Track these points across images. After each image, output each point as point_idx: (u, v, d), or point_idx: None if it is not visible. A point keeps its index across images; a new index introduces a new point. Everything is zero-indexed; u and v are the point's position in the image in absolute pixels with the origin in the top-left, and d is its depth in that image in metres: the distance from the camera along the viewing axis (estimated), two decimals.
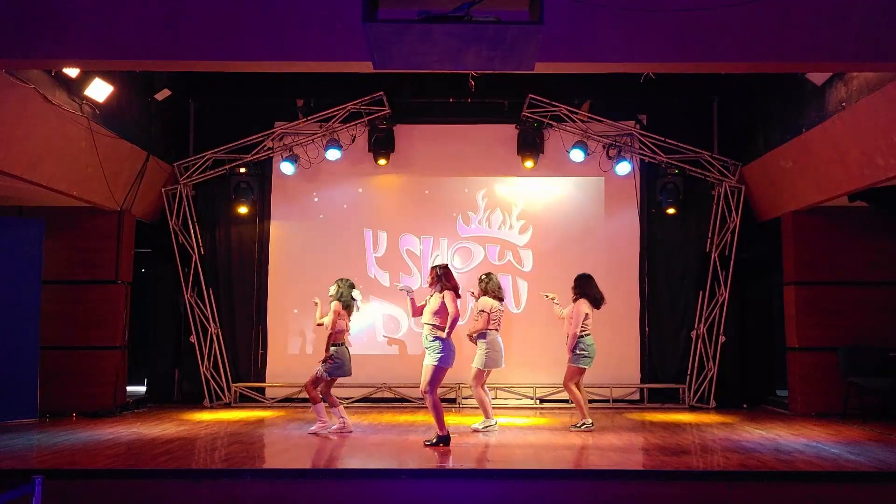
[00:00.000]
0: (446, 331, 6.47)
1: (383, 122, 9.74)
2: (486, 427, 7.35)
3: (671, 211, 9.75)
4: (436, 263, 7.14)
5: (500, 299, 7.64)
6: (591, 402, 9.53)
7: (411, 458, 6.07)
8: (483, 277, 7.72)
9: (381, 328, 9.86)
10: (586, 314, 7.48)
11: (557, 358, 9.51)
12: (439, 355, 6.43)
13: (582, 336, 7.45)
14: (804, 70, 7.25)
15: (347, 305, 7.24)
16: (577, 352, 7.48)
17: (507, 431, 7.51)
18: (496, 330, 7.52)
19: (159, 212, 9.85)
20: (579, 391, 7.61)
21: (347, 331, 7.37)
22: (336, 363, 7.11)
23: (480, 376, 7.45)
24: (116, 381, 8.94)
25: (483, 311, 7.48)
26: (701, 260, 9.78)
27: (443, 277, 6.66)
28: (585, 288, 7.62)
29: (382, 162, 9.80)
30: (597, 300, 7.62)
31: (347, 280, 7.40)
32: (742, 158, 9.55)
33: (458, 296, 6.70)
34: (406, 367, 9.55)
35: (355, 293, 7.34)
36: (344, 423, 7.25)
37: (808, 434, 7.28)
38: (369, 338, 9.78)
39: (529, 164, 9.74)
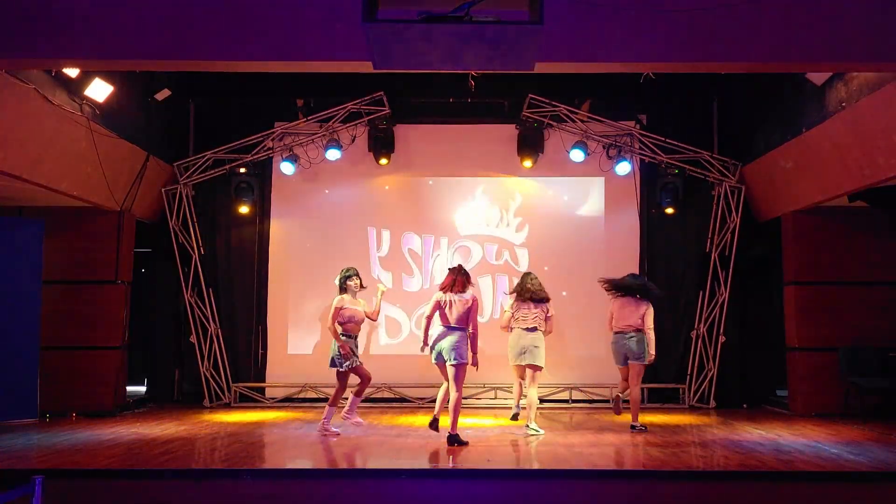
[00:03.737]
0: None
1: (383, 122, 9.73)
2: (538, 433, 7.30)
3: (671, 211, 9.75)
4: (452, 265, 7.23)
5: (520, 297, 7.62)
6: (591, 402, 9.60)
7: (411, 458, 6.07)
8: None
9: (383, 331, 9.86)
10: None
11: (557, 359, 9.55)
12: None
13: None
14: (804, 70, 7.24)
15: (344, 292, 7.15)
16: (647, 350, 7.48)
17: (507, 431, 7.51)
18: (517, 327, 7.54)
19: (159, 212, 9.84)
20: None
21: (353, 320, 7.12)
22: (343, 354, 6.99)
23: None
24: (116, 381, 8.93)
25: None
26: (701, 260, 9.78)
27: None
28: None
29: (383, 162, 9.79)
30: None
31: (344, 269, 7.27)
32: (742, 158, 9.55)
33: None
34: (406, 367, 9.55)
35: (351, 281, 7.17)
36: (325, 425, 7.14)
37: (808, 434, 7.28)
38: (370, 338, 9.77)
39: (528, 163, 9.74)
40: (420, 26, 3.85)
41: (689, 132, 9.83)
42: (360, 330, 7.21)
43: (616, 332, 7.57)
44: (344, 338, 7.01)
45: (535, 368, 7.35)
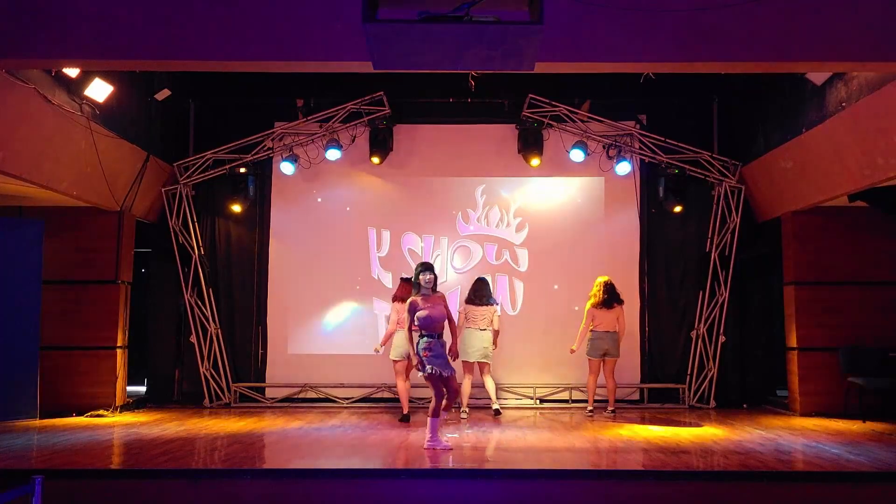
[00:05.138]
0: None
1: (383, 122, 9.73)
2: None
3: (671, 211, 9.75)
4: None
5: (468, 301, 8.62)
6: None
7: (411, 458, 6.07)
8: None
9: (382, 331, 9.83)
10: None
11: (557, 358, 9.56)
12: None
13: None
14: (804, 70, 7.24)
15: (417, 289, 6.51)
16: None
17: (508, 431, 7.51)
18: (469, 327, 8.49)
19: (159, 212, 9.85)
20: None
21: (428, 319, 6.37)
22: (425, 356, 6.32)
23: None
24: (116, 381, 8.94)
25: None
26: (701, 260, 9.78)
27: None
28: None
29: (374, 160, 9.76)
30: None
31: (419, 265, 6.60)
32: (742, 158, 9.55)
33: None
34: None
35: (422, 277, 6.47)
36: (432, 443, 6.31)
37: (808, 434, 7.28)
38: (371, 338, 9.73)
39: (536, 161, 9.69)
40: (420, 26, 3.85)
41: (688, 132, 9.83)
42: (442, 328, 6.44)
43: (597, 331, 8.60)
44: (427, 339, 6.32)
45: (487, 364, 8.47)
